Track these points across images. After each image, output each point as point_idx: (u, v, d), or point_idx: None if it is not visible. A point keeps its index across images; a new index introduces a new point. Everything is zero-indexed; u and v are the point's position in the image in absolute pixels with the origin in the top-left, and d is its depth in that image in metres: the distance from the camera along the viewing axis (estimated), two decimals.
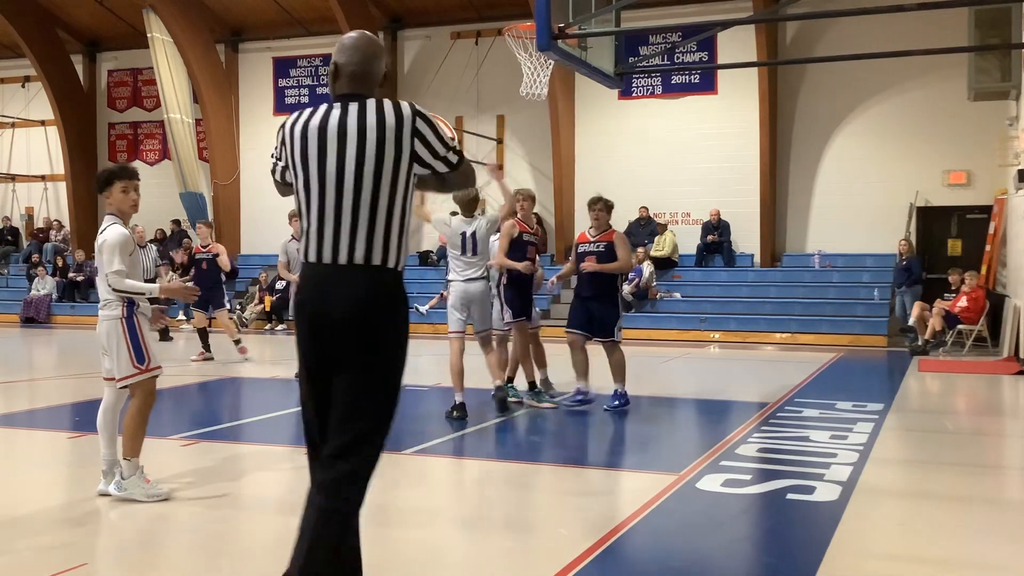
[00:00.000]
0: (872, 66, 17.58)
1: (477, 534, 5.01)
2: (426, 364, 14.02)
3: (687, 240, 19.36)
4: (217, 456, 6.77)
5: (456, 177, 3.46)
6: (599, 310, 8.62)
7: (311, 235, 3.26)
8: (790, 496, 5.51)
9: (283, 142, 3.39)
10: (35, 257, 22.89)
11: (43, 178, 24.97)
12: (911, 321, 15.25)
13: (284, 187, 3.56)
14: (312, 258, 3.25)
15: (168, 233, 22.71)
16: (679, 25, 15.20)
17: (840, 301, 17.42)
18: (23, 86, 24.83)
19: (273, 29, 22.34)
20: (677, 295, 18.43)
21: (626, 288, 17.95)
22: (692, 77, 19.54)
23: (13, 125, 24.85)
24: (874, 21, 15.74)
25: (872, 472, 6.16)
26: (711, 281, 18.77)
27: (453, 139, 3.40)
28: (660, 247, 18.88)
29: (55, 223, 24.40)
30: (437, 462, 6.83)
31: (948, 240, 18.44)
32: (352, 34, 3.44)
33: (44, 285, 21.91)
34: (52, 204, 25.06)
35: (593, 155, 20.24)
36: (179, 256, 21.33)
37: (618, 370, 8.66)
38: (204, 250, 13.65)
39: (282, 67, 22.67)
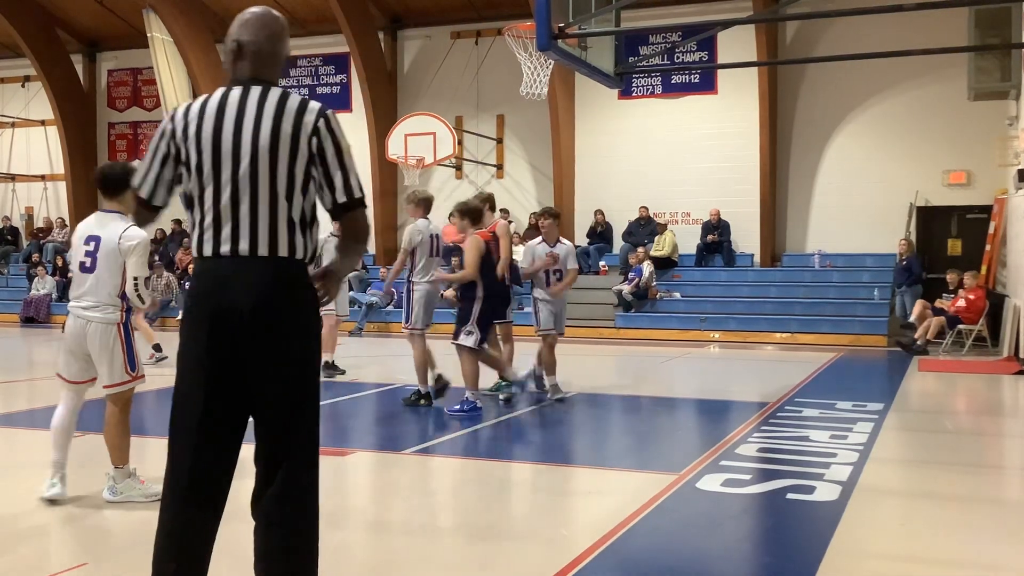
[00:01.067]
0: (872, 66, 17.58)
1: (477, 534, 5.00)
2: None
3: (687, 240, 19.36)
4: None
5: (349, 221, 3.13)
6: (460, 310, 8.56)
7: (207, 227, 3.03)
8: (790, 496, 5.51)
9: (172, 131, 3.10)
10: (35, 257, 22.89)
11: (43, 178, 24.96)
12: (912, 318, 15.25)
13: (145, 206, 3.20)
14: (208, 251, 3.03)
15: (168, 233, 22.72)
16: (679, 25, 15.22)
17: (840, 301, 17.41)
18: (23, 86, 24.82)
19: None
20: (677, 295, 18.43)
21: (626, 288, 17.95)
22: (692, 77, 19.53)
23: (13, 125, 24.84)
24: (874, 21, 15.74)
25: (872, 472, 6.16)
26: (711, 281, 18.77)
27: (360, 180, 3.14)
28: (660, 247, 18.88)
29: (58, 221, 24.38)
30: (436, 462, 6.83)
31: (948, 240, 18.43)
32: (255, 9, 3.22)
33: (44, 285, 21.90)
34: (52, 204, 25.05)
35: (593, 155, 20.24)
36: (180, 256, 21.35)
37: (464, 376, 8.48)
38: None
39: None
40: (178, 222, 22.50)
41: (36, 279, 22.01)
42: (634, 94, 19.82)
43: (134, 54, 23.34)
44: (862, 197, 18.46)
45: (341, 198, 3.08)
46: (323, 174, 3.05)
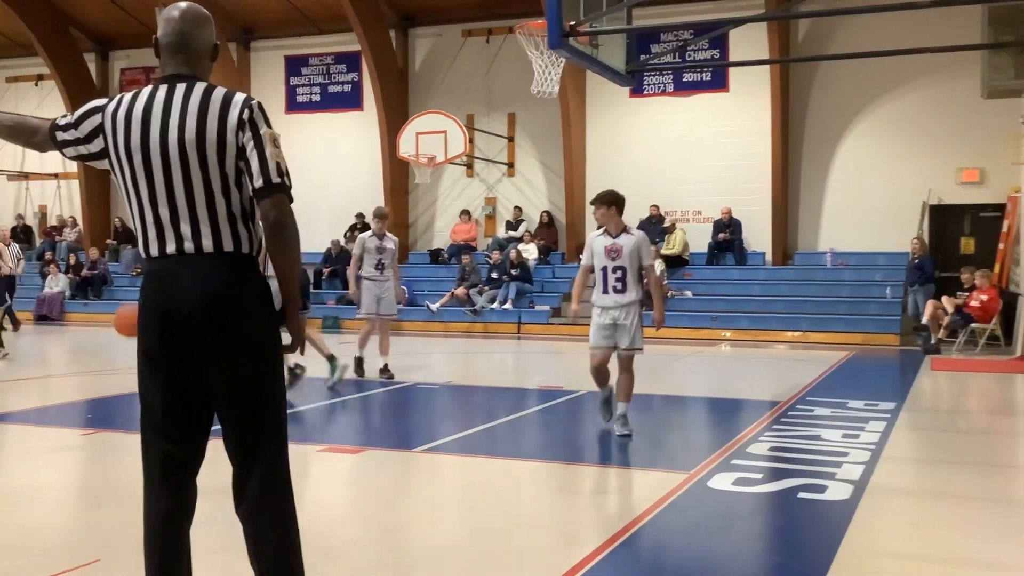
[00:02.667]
0: (885, 64, 17.50)
1: (487, 532, 5.01)
2: (437, 361, 14.07)
3: (698, 238, 19.31)
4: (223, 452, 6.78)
5: (265, 210, 3.01)
6: None
7: (148, 227, 3.05)
8: (801, 495, 5.49)
9: (103, 128, 3.11)
10: (48, 255, 22.99)
11: (56, 176, 25.07)
12: (924, 319, 15.20)
13: (53, 144, 3.21)
14: (155, 252, 3.05)
15: None
16: (691, 23, 15.19)
17: (852, 299, 17.35)
18: (36, 84, 24.95)
19: (285, 27, 22.39)
20: (688, 293, 18.39)
21: None
22: (703, 75, 19.49)
23: None
24: (886, 18, 15.68)
25: (884, 471, 6.14)
26: (722, 279, 18.73)
27: (283, 168, 3.05)
28: (671, 245, 18.85)
29: (70, 220, 24.49)
30: (447, 460, 6.83)
31: (961, 238, 18.34)
32: (179, 4, 3.17)
33: (57, 283, 22.00)
34: (65, 202, 25.17)
35: (604, 153, 20.22)
36: None
37: None
38: None
39: (294, 65, 22.71)
40: None
41: (49, 277, 22.11)
42: (645, 92, 19.79)
43: (146, 53, 23.38)
44: (874, 195, 18.39)
45: (257, 183, 3.00)
46: (245, 163, 3.02)
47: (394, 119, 20.52)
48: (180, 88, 3.05)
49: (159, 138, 3.01)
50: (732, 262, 19.08)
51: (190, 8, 3.16)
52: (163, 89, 3.07)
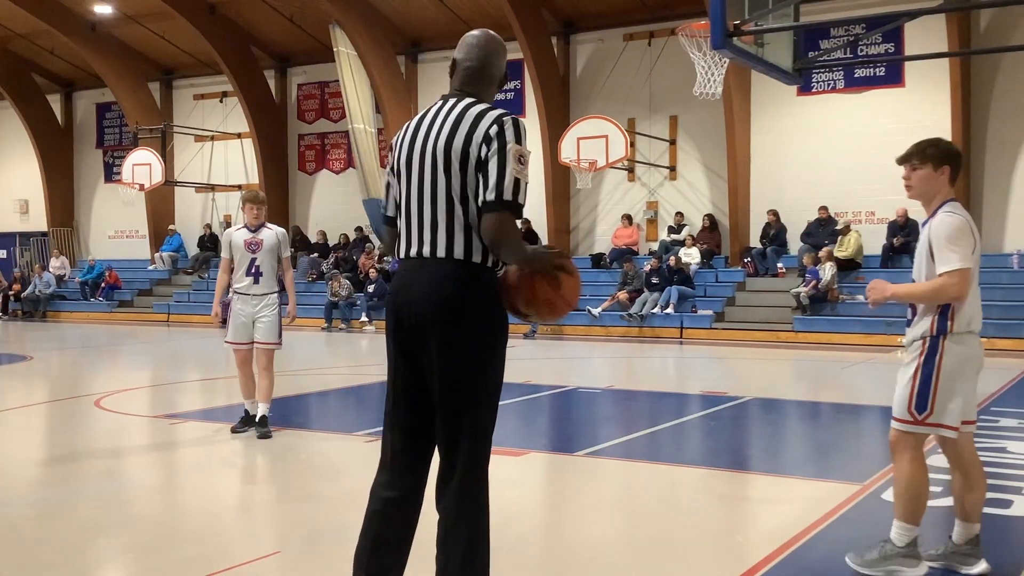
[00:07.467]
0: None
1: (648, 538, 4.98)
2: (598, 365, 14.06)
3: (872, 240, 18.51)
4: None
5: (487, 222, 3.10)
6: None
7: (402, 230, 3.29)
8: (984, 510, 5.19)
9: (391, 146, 3.42)
10: None
11: (239, 187, 26.53)
12: None
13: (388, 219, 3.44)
14: (402, 253, 3.29)
15: (351, 239, 23.72)
16: (863, 17, 14.59)
17: None
18: (221, 101, 26.51)
19: (450, 39, 22.90)
20: (860, 297, 17.65)
21: (803, 289, 17.37)
22: (877, 70, 18.71)
23: (212, 138, 26.56)
24: None
25: None
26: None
27: (519, 186, 3.10)
28: (844, 248, 18.16)
29: None
30: (609, 464, 6.83)
31: None
32: (475, 32, 3.45)
33: None
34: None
35: (769, 154, 19.70)
36: (363, 261, 22.26)
37: None
38: None
39: None
40: (359, 229, 23.46)
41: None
42: (814, 90, 19.18)
43: (321, 68, 24.51)
44: None
45: (490, 195, 3.08)
46: (484, 174, 3.11)
47: (555, 125, 20.68)
48: (449, 103, 3.29)
49: (420, 150, 3.25)
50: (908, 265, 18.13)
51: (490, 39, 3.45)
52: (437, 105, 3.33)
